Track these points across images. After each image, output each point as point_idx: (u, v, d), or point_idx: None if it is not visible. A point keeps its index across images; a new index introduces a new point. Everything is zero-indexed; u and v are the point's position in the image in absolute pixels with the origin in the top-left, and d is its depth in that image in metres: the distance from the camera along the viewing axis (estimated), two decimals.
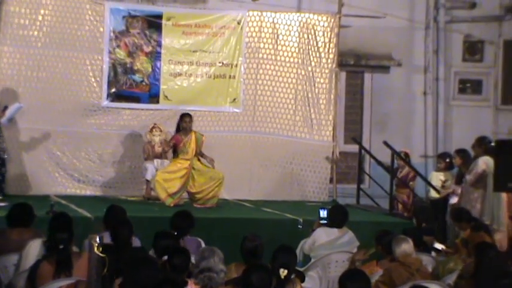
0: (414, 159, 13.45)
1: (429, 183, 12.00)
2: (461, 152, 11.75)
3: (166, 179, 11.18)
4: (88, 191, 12.29)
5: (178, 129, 11.38)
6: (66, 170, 12.24)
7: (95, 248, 4.24)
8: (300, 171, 13.09)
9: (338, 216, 8.70)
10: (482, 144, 10.70)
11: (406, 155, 12.84)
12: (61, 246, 6.39)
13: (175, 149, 11.38)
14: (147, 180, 11.79)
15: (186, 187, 11.29)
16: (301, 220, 10.31)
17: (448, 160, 12.18)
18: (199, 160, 11.40)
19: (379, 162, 12.89)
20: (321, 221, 8.68)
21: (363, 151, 13.55)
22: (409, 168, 12.56)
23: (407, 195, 12.53)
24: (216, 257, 5.87)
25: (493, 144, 10.44)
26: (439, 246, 9.00)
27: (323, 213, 8.69)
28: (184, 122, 11.31)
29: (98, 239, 4.25)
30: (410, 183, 12.64)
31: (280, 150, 13.07)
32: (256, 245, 6.77)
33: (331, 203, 11.95)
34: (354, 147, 13.89)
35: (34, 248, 6.88)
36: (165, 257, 6.47)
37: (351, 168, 14.50)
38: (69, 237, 6.54)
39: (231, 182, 12.08)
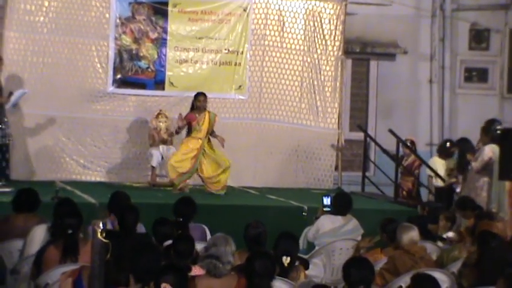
0: (420, 147, 13.43)
1: (435, 172, 11.97)
2: (460, 141, 11.82)
3: (177, 161, 11.21)
4: (93, 177, 12.32)
5: (192, 108, 11.38)
6: (72, 155, 12.26)
7: (98, 234, 4.25)
8: (305, 159, 13.10)
9: (342, 204, 8.68)
10: (488, 132, 10.68)
11: (412, 143, 12.82)
12: (69, 231, 6.40)
13: (189, 129, 11.38)
14: (153, 167, 11.81)
15: (195, 168, 11.29)
16: (306, 207, 10.32)
17: (449, 146, 12.19)
18: (209, 141, 11.41)
19: (384, 150, 12.89)
20: (325, 209, 8.65)
21: (368, 139, 13.54)
22: (415, 156, 12.55)
23: (412, 183, 12.52)
24: (228, 247, 5.87)
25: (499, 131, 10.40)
26: (449, 234, 8.97)
27: (326, 201, 8.65)
28: (198, 101, 11.31)
29: (101, 225, 4.26)
30: (416, 171, 12.63)
31: (285, 137, 13.07)
32: (259, 232, 6.77)
33: (336, 190, 11.96)
34: (359, 135, 13.90)
35: (39, 234, 6.89)
36: (167, 243, 6.50)
37: (356, 156, 14.50)
38: (78, 223, 6.55)
39: (236, 169, 12.08)
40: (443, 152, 12.24)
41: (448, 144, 12.31)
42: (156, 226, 7.01)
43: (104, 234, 4.25)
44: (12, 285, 6.90)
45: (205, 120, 11.32)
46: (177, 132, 11.69)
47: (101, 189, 10.88)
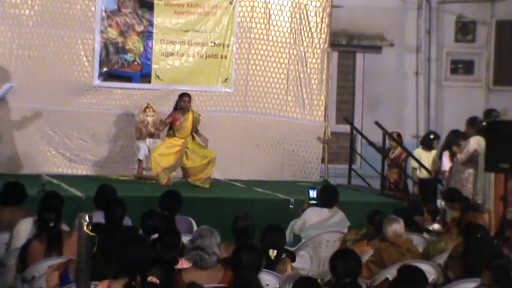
0: (406, 140, 13.45)
1: (420, 164, 12.02)
2: (451, 132, 11.88)
3: (161, 154, 11.21)
4: (79, 170, 12.29)
5: (176, 107, 11.37)
6: (58, 149, 12.23)
7: (84, 227, 4.24)
8: (291, 152, 13.11)
9: (328, 196, 8.69)
10: (474, 124, 10.73)
11: (399, 135, 12.85)
12: (51, 225, 6.40)
13: (171, 127, 11.38)
14: (139, 160, 11.79)
15: (179, 164, 11.29)
16: (292, 200, 10.32)
17: (432, 138, 12.26)
18: (193, 139, 11.41)
19: (371, 143, 12.92)
20: (311, 201, 8.66)
21: (354, 131, 13.56)
22: (401, 148, 12.58)
23: (398, 175, 12.56)
24: (213, 238, 5.87)
25: (484, 124, 10.46)
26: (435, 226, 9.01)
27: (313, 194, 8.66)
28: (182, 102, 11.30)
29: (87, 218, 4.26)
30: (403, 163, 12.67)
31: (271, 130, 13.08)
32: (247, 224, 6.78)
33: (322, 183, 11.97)
34: (345, 128, 13.92)
35: (24, 227, 6.89)
36: (154, 236, 6.50)
37: (342, 149, 14.53)
38: (58, 217, 6.55)
39: (223, 162, 12.09)
40: (427, 143, 12.31)
41: (431, 136, 12.38)
42: (145, 219, 7.00)
43: (90, 228, 4.23)
44: None
45: (189, 120, 11.30)
46: (160, 131, 11.68)
47: (87, 183, 10.86)
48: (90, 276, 4.39)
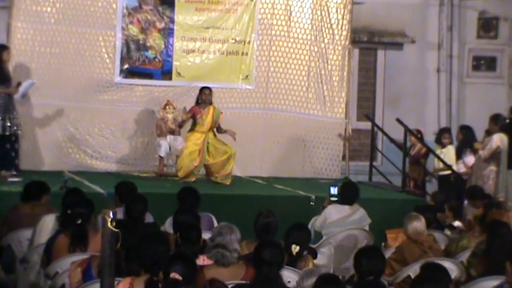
0: (427, 137, 13.40)
1: (443, 162, 11.94)
2: (463, 129, 11.84)
3: (191, 152, 11.21)
4: (101, 167, 12.31)
5: (197, 102, 11.38)
6: (79, 145, 12.27)
7: (108, 223, 4.25)
8: (312, 148, 13.08)
9: (349, 193, 8.66)
10: (498, 121, 10.68)
11: (419, 132, 12.80)
12: (79, 221, 6.41)
13: (193, 121, 11.39)
14: (160, 157, 11.81)
15: (204, 160, 11.30)
16: (313, 197, 10.30)
17: (448, 135, 12.26)
18: (214, 135, 11.42)
19: (392, 140, 12.87)
20: (332, 198, 8.65)
21: (375, 128, 13.52)
22: (422, 145, 12.53)
23: (418, 172, 12.51)
24: (233, 235, 5.88)
25: (508, 121, 10.41)
26: (456, 223, 8.96)
27: (333, 190, 8.66)
28: (203, 95, 11.33)
29: (111, 214, 4.26)
30: (422, 160, 12.62)
31: (292, 127, 13.05)
32: (269, 221, 6.78)
33: (343, 180, 11.94)
34: (366, 125, 13.88)
35: (48, 223, 6.93)
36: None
37: (363, 146, 14.48)
38: (89, 213, 6.56)
39: (243, 159, 12.10)
40: (437, 140, 12.32)
41: (441, 132, 12.37)
42: (177, 215, 6.97)
43: (114, 224, 4.24)
44: (22, 274, 6.93)
45: (209, 114, 11.31)
46: (180, 126, 11.70)
47: (108, 179, 10.87)
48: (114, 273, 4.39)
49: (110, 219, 4.22)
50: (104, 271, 4.39)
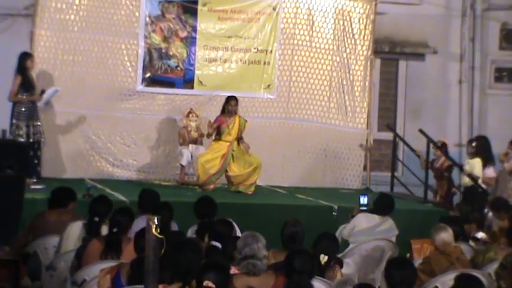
0: (449, 148, 13.32)
1: (469, 175, 11.82)
2: (480, 138, 11.77)
3: (208, 160, 11.21)
4: (122, 175, 12.33)
5: (223, 111, 11.38)
6: (101, 153, 12.29)
7: (153, 229, 4.23)
8: (333, 158, 13.05)
9: (385, 205, 8.73)
10: None
11: (444, 144, 12.68)
12: (115, 230, 6.39)
13: (218, 131, 11.38)
14: (182, 165, 11.80)
15: (225, 169, 11.28)
16: (336, 207, 10.27)
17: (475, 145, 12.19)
18: (239, 144, 11.41)
19: (414, 151, 12.81)
20: (361, 208, 8.67)
21: (397, 139, 13.47)
22: (446, 158, 12.42)
23: (447, 186, 12.38)
24: (260, 242, 5.83)
25: None
26: (479, 235, 8.91)
27: (363, 200, 8.69)
28: (229, 105, 11.32)
29: (156, 220, 4.25)
30: (445, 173, 12.52)
31: (314, 137, 13.03)
32: (296, 231, 6.75)
33: (364, 190, 11.90)
34: (387, 135, 13.84)
35: (75, 230, 6.93)
36: (214, 243, 6.46)
37: (384, 156, 14.42)
38: (128, 222, 6.55)
39: (265, 168, 12.02)
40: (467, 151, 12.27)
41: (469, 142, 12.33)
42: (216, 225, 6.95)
43: (159, 230, 4.22)
44: (48, 281, 6.92)
45: (236, 124, 11.30)
46: (208, 137, 11.68)
47: (130, 188, 10.89)
48: (158, 280, 4.36)
49: (154, 225, 4.20)
50: (147, 278, 4.35)
